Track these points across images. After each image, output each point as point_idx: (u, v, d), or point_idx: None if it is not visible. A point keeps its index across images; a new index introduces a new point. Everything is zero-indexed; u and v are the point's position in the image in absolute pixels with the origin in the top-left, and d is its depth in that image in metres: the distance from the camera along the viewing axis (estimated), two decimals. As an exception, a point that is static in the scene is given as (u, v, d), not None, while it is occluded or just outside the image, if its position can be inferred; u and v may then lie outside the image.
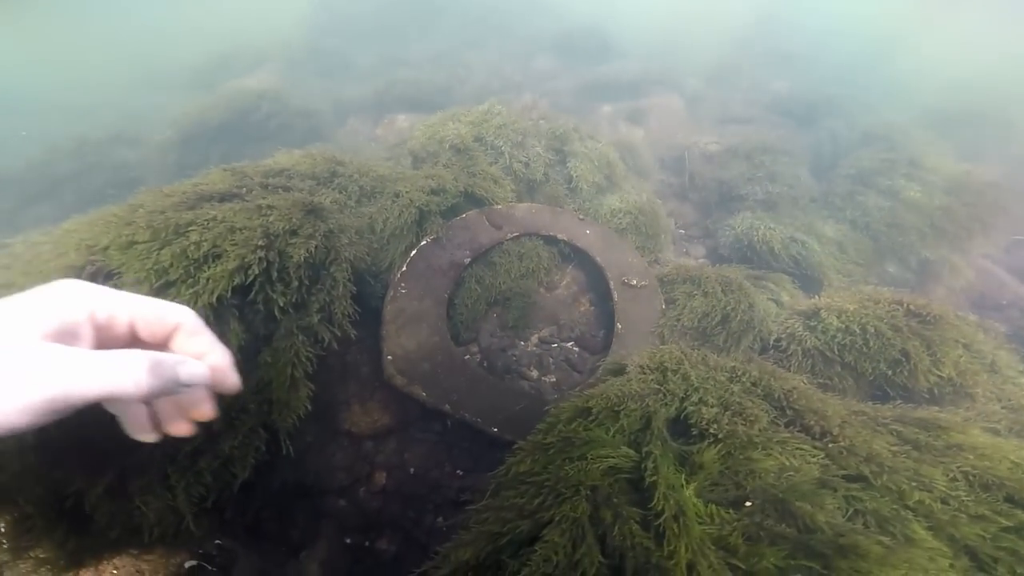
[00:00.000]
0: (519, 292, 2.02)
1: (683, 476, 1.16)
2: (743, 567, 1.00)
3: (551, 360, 2.03)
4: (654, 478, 1.11)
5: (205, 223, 1.44)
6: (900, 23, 8.64)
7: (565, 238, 2.09)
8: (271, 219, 1.46)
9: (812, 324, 1.86)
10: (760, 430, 1.32)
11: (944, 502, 1.22)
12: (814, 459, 1.28)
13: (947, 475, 1.28)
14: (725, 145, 3.17)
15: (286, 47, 5.68)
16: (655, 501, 1.06)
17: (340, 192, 1.93)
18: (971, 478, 1.28)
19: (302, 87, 4.54)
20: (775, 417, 1.43)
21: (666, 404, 1.41)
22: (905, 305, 1.79)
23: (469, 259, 1.90)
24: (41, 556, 1.16)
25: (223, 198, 1.67)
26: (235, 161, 2.22)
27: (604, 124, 3.45)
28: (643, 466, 1.15)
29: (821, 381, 1.73)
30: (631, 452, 1.21)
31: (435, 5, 7.18)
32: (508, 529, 1.05)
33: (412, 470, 1.69)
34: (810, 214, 2.55)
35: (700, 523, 1.07)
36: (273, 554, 1.51)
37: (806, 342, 1.83)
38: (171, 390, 0.54)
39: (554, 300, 2.15)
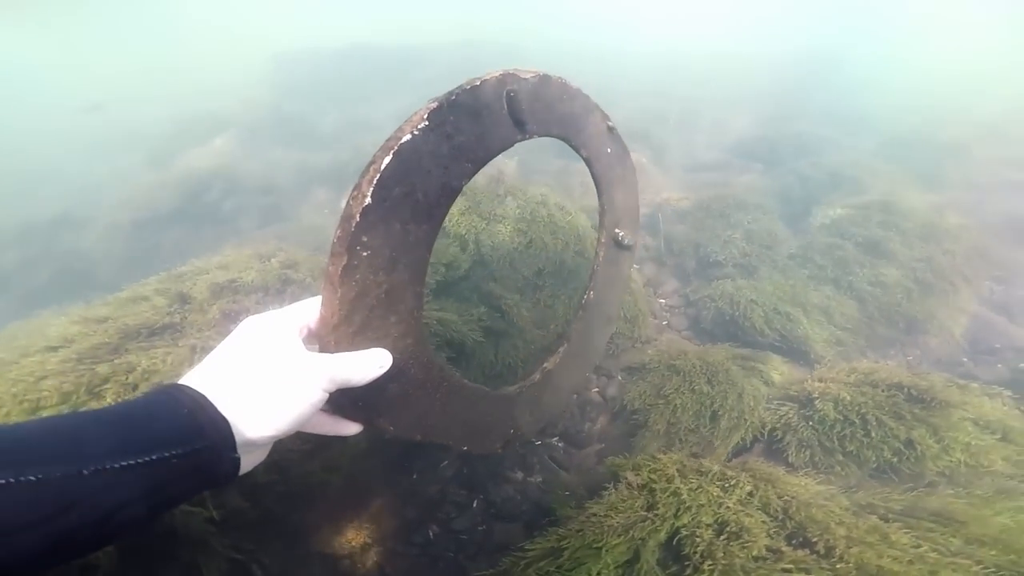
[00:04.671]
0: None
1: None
2: None
3: (535, 460, 1.91)
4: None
5: (124, 376, 1.28)
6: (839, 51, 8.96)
7: (586, 155, 1.33)
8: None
9: (807, 414, 1.75)
10: (759, 554, 1.23)
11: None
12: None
13: (969, 578, 1.16)
14: (696, 200, 3.10)
15: (246, 112, 5.57)
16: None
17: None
18: (999, 577, 1.18)
19: (262, 156, 4.42)
20: (775, 529, 1.33)
21: (655, 530, 1.31)
22: (906, 390, 1.70)
23: (467, 180, 0.94)
24: None
25: (152, 332, 1.51)
26: (188, 252, 2.07)
27: (575, 184, 3.37)
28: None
29: (821, 476, 1.62)
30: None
31: (402, 60, 7.20)
32: None
33: (396, 589, 1.57)
34: (791, 276, 2.47)
35: None
36: None
37: (802, 433, 1.73)
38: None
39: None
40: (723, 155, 4.42)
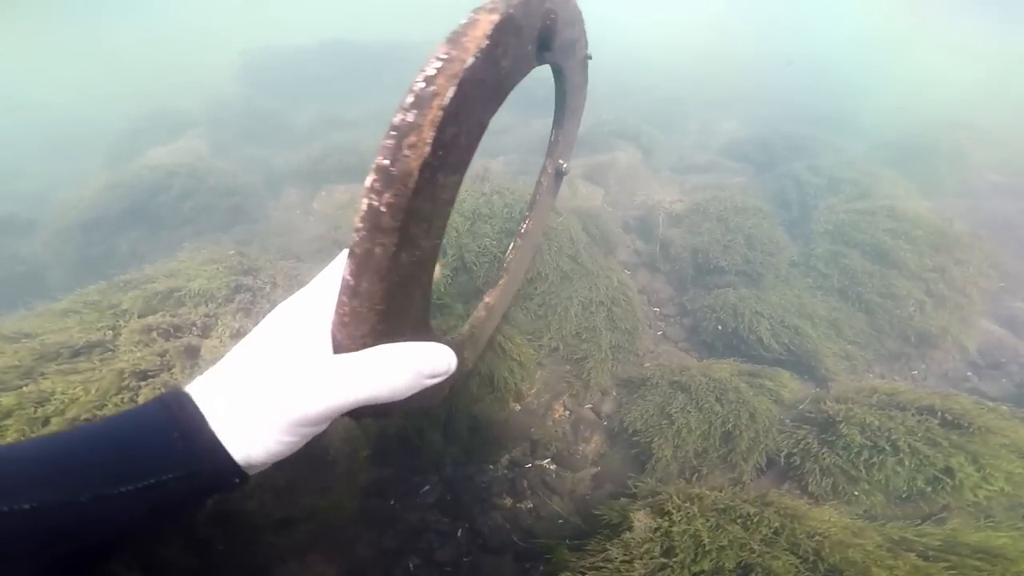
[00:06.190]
0: (476, 415, 1.66)
1: None
2: None
3: (526, 484, 1.74)
4: None
5: (32, 409, 1.05)
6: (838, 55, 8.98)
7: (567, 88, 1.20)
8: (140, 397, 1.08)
9: (829, 439, 1.58)
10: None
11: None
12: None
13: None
14: (691, 203, 2.93)
15: (215, 109, 5.27)
16: None
17: (245, 315, 1.54)
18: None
19: (230, 155, 4.15)
20: (806, 574, 1.18)
21: (675, 581, 1.16)
22: (939, 414, 1.54)
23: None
24: None
25: (77, 352, 1.28)
26: (145, 257, 1.84)
27: (563, 186, 3.17)
28: None
29: (844, 507, 1.46)
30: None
31: (378, 57, 6.99)
32: None
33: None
34: (795, 285, 2.31)
35: None
36: None
37: (824, 460, 1.56)
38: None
39: (525, 413, 1.83)
40: (714, 157, 4.28)
